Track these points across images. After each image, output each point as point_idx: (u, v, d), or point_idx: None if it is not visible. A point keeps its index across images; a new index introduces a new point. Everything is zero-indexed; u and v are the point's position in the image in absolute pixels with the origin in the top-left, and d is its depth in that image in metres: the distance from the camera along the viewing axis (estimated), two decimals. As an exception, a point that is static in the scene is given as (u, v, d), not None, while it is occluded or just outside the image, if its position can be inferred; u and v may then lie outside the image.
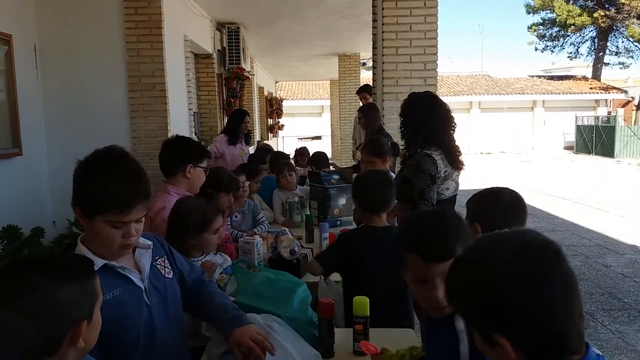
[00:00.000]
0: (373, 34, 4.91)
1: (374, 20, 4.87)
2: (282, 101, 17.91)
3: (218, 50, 7.84)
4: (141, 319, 1.48)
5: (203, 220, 2.19)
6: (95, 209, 1.38)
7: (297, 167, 5.16)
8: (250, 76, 9.92)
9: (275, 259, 2.58)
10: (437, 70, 4.66)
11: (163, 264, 1.63)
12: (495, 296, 0.84)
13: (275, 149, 7.42)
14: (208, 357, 1.70)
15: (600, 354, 0.90)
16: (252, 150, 6.77)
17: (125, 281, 1.48)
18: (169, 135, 5.03)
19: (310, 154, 5.87)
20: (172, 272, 1.66)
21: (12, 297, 0.99)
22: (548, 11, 26.66)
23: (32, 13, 4.69)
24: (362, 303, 1.70)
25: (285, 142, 19.17)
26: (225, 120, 8.07)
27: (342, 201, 3.82)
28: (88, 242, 1.46)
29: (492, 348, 0.86)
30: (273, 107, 16.11)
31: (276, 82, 18.71)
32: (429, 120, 2.79)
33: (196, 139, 5.75)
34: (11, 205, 4.18)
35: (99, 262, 1.42)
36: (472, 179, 13.74)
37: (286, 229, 3.00)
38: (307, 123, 24.50)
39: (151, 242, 1.61)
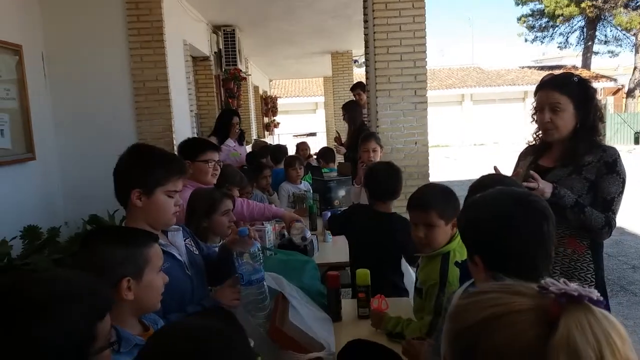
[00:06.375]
0: (365, 34, 5.15)
1: (365, 22, 5.12)
2: (276, 99, 18.11)
3: (215, 52, 8.06)
4: (187, 289, 1.72)
5: (210, 202, 2.40)
6: (157, 181, 1.65)
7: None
8: (246, 76, 10.14)
9: (286, 244, 2.84)
10: (427, 67, 4.92)
11: (191, 244, 1.88)
12: (478, 227, 1.19)
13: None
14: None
15: None
16: (249, 149, 7.01)
17: (170, 256, 1.70)
18: (174, 136, 5.28)
19: (310, 148, 6.46)
20: (197, 250, 1.91)
21: (75, 257, 1.40)
22: (537, 2, 26.97)
23: (39, 23, 4.88)
24: (363, 274, 2.00)
25: (281, 140, 19.40)
26: (225, 120, 8.30)
27: (342, 193, 4.10)
28: (133, 224, 1.68)
29: (475, 266, 1.20)
30: (268, 105, 16.31)
31: (270, 80, 18.88)
32: None
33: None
34: (27, 206, 4.38)
35: None
36: (468, 170, 14.06)
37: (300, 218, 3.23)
38: (302, 120, 24.71)
39: (179, 226, 1.86)
